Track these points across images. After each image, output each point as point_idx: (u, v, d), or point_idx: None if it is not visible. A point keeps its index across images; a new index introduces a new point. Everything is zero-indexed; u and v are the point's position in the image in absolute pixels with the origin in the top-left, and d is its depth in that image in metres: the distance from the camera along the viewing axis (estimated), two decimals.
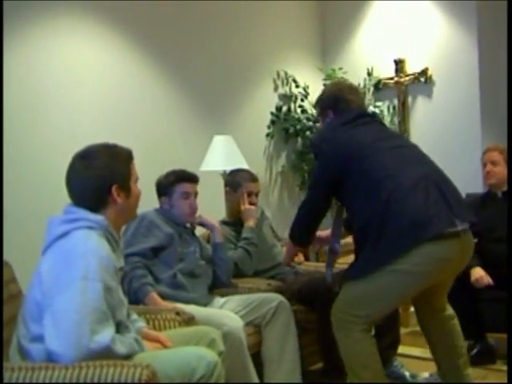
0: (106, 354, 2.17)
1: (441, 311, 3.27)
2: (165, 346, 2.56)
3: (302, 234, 3.38)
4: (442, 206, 2.85)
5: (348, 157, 3.00)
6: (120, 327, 2.37)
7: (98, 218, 2.37)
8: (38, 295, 2.25)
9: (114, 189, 2.39)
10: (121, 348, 2.24)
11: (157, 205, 3.67)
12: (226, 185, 4.20)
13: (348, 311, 3.02)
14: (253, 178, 4.11)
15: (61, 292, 2.19)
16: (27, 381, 2.10)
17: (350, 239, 5.70)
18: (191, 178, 3.63)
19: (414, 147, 3.20)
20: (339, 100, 3.24)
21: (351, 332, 3.01)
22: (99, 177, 2.38)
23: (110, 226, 2.39)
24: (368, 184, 2.94)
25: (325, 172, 3.12)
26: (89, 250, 2.25)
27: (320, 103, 3.36)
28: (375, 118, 3.37)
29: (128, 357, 2.28)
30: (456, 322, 3.32)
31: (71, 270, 2.21)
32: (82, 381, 2.07)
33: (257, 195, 4.11)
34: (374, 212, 2.88)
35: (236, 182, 4.08)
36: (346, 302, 3.04)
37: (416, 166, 3.00)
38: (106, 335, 2.18)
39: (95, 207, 2.39)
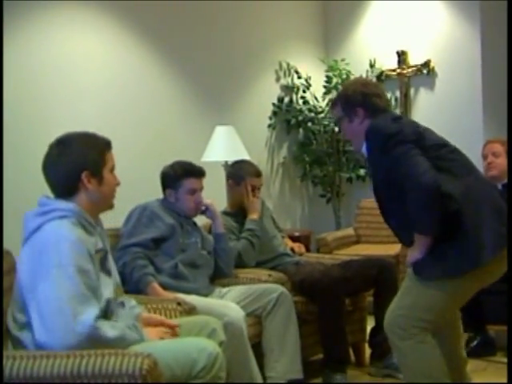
0: (94, 334, 2.19)
1: None
2: (171, 327, 2.58)
3: (435, 220, 2.72)
4: None
5: (421, 138, 2.81)
6: (108, 309, 2.38)
7: (70, 205, 2.40)
8: (19, 288, 2.31)
9: (84, 175, 2.42)
10: (109, 329, 2.26)
11: (159, 193, 3.65)
12: (229, 177, 4.17)
13: (419, 316, 2.76)
14: (257, 173, 4.08)
15: (39, 283, 2.24)
16: (28, 369, 2.11)
17: (349, 231, 5.75)
18: (198, 173, 3.61)
19: None
20: (368, 96, 2.98)
21: (424, 338, 2.76)
22: (70, 163, 2.42)
23: (84, 212, 2.42)
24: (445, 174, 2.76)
25: (414, 150, 2.71)
26: (60, 237, 2.29)
27: (346, 100, 3.01)
28: None
29: (126, 346, 2.30)
30: (459, 320, 3.23)
31: (45, 261, 2.26)
32: (83, 369, 2.08)
33: (259, 189, 4.10)
34: (466, 206, 2.71)
35: (239, 175, 4.05)
36: (420, 306, 2.77)
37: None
38: (88, 314, 2.21)
39: (67, 193, 2.43)
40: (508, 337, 3.66)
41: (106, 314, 2.35)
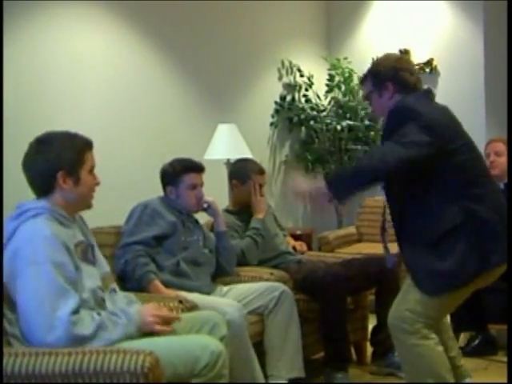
0: (71, 330, 2.22)
1: None
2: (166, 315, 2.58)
3: (350, 194, 2.87)
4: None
5: (446, 138, 2.77)
6: (95, 298, 2.41)
7: (42, 203, 2.44)
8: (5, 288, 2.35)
9: (59, 175, 2.44)
10: (87, 323, 2.28)
11: (161, 191, 3.65)
12: (233, 177, 4.12)
13: (426, 312, 2.77)
14: (261, 171, 4.07)
15: (17, 282, 2.28)
16: (30, 367, 2.11)
17: (351, 229, 5.74)
18: (198, 168, 3.61)
19: None
20: (399, 71, 2.95)
21: (428, 334, 2.77)
22: (46, 162, 2.45)
23: (58, 208, 2.45)
24: (462, 178, 2.76)
25: (424, 136, 2.69)
26: (34, 235, 2.33)
27: (377, 75, 2.98)
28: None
29: (116, 336, 2.33)
30: None
31: (20, 260, 2.29)
32: (84, 367, 2.09)
33: (263, 187, 4.08)
34: (473, 216, 2.72)
35: (244, 174, 4.02)
36: (421, 303, 2.77)
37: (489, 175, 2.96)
38: (66, 309, 2.24)
39: (44, 192, 2.47)
40: (508, 337, 3.65)
41: (90, 303, 2.38)
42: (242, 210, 4.03)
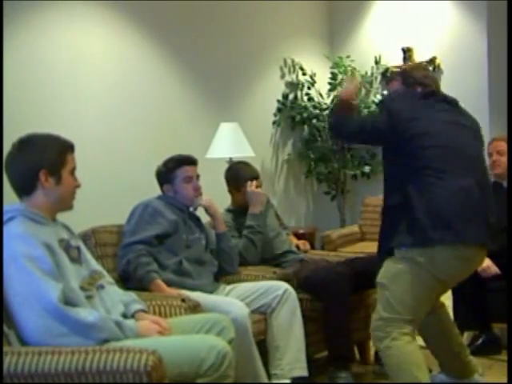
0: (69, 312, 2.26)
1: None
2: (164, 328, 2.57)
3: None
4: (479, 218, 2.96)
5: (414, 129, 3.02)
6: (77, 297, 2.41)
7: (16, 206, 2.47)
8: None
9: (41, 173, 2.46)
10: (84, 311, 2.32)
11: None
12: (228, 182, 4.13)
13: (389, 316, 2.99)
14: (254, 176, 4.03)
15: (4, 286, 2.31)
16: (33, 365, 2.11)
17: (354, 228, 5.75)
18: (190, 161, 3.63)
19: (478, 149, 3.21)
20: (426, 77, 3.34)
21: (398, 335, 2.95)
22: (28, 160, 2.48)
23: (34, 209, 2.46)
24: (418, 164, 2.97)
25: (384, 123, 3.07)
26: (8, 238, 2.35)
27: (405, 73, 3.38)
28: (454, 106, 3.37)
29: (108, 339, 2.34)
30: (446, 309, 3.35)
31: (2, 262, 2.32)
32: (87, 365, 2.08)
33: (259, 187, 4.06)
34: (417, 197, 2.92)
35: (237, 181, 4.02)
36: (388, 307, 3.00)
37: (470, 170, 3.05)
38: (51, 294, 2.27)
39: (26, 192, 2.49)
40: (508, 336, 3.65)
41: (80, 298, 2.40)
42: (243, 209, 4.01)
